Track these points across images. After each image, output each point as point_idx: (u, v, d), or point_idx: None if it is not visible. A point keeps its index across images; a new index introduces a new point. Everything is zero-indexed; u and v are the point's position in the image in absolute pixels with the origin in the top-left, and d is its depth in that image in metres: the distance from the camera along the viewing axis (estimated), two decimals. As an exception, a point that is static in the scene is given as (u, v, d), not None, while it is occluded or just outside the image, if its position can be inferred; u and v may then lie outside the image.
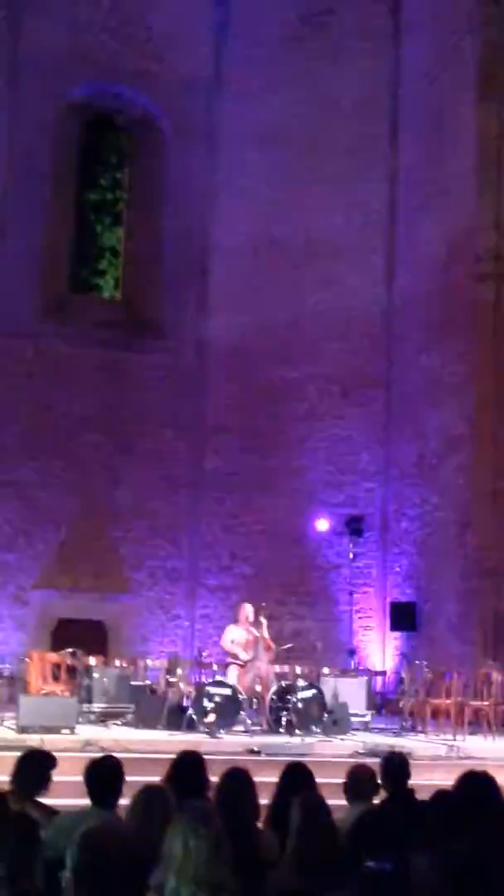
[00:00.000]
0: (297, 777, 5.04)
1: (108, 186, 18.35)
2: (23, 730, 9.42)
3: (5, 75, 16.52)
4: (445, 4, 15.77)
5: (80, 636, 13.83)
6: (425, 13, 16.29)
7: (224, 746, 9.49)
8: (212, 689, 10.45)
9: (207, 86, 17.61)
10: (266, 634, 11.52)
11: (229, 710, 10.39)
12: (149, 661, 13.14)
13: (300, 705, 10.57)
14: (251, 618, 11.62)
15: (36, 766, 5.16)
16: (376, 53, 16.92)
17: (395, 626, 15.50)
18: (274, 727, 10.65)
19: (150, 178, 17.79)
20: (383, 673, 15.00)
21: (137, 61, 17.29)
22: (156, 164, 17.73)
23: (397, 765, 5.51)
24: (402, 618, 15.25)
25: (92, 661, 12.22)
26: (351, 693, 11.72)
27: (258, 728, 10.75)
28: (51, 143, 17.02)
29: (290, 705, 10.56)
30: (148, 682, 12.19)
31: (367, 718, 11.91)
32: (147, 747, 9.10)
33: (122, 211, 18.32)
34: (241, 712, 10.57)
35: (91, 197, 18.20)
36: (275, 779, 5.15)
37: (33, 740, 8.62)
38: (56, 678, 12.00)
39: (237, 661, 11.39)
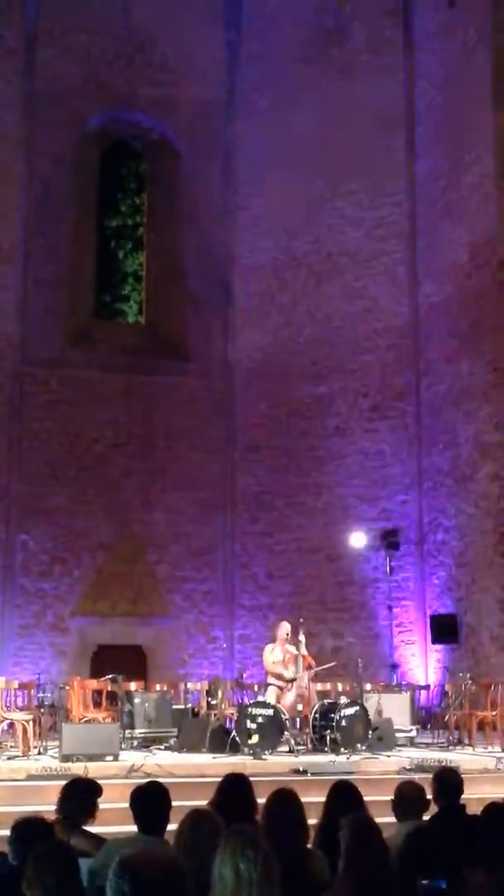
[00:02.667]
0: (344, 796, 4.97)
1: (128, 212, 18.46)
2: (66, 758, 9.38)
3: (23, 106, 16.69)
4: (457, 14, 15.75)
5: (119, 662, 13.80)
6: (437, 24, 16.29)
7: (269, 767, 9.42)
8: (254, 710, 10.37)
9: (222, 107, 17.71)
10: (305, 651, 11.43)
11: (273, 731, 10.31)
12: (189, 685, 13.08)
13: (344, 723, 10.47)
14: (289, 635, 11.54)
15: (81, 795, 5.12)
16: (390, 67, 16.92)
17: (436, 639, 15.34)
18: (318, 746, 10.55)
19: (170, 201, 17.87)
20: (427, 687, 14.83)
21: (152, 87, 17.42)
22: (174, 188, 17.81)
23: (449, 780, 5.41)
24: (444, 630, 15.10)
25: (132, 686, 12.18)
26: (395, 708, 11.60)
27: (302, 747, 10.65)
28: (70, 171, 17.15)
29: (333, 723, 10.45)
30: (189, 705, 12.13)
31: (413, 734, 11.78)
32: (192, 771, 9.05)
33: (142, 236, 18.42)
34: (285, 732, 10.48)
35: (112, 223, 18.31)
36: (322, 798, 5.09)
37: (77, 768, 8.59)
38: (97, 705, 11.98)
39: (279, 682, 11.30)
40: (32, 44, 16.79)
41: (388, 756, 10.32)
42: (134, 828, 4.67)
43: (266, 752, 10.11)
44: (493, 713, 11.53)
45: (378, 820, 4.14)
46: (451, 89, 15.89)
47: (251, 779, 5.15)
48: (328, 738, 10.45)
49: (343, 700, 11.09)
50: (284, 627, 11.64)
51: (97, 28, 17.22)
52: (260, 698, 11.06)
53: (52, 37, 16.88)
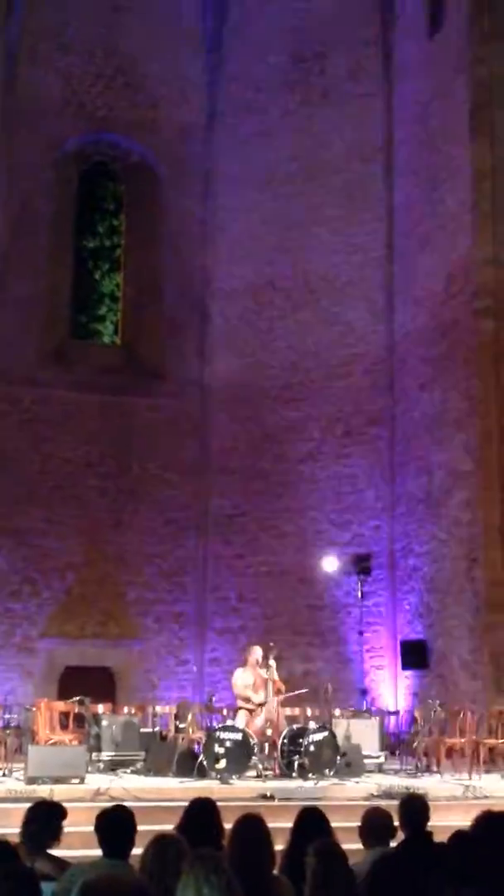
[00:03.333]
0: (311, 822, 4.94)
1: (105, 233, 18.47)
2: (31, 780, 9.29)
3: (1, 125, 16.69)
4: (436, 46, 15.93)
5: (87, 684, 13.70)
6: (416, 55, 16.47)
7: (236, 792, 9.36)
8: (222, 735, 10.32)
9: (202, 130, 17.80)
10: (276, 676, 11.39)
11: (240, 755, 10.25)
12: (157, 708, 12.99)
13: (312, 748, 10.43)
14: (260, 660, 11.51)
15: (46, 818, 5.06)
16: (369, 95, 17.09)
17: (406, 665, 15.34)
18: (286, 771, 10.50)
19: (148, 223, 17.91)
20: (396, 713, 14.80)
21: (132, 109, 17.51)
22: (153, 210, 17.86)
23: (417, 808, 5.38)
24: (413, 656, 15.10)
25: (100, 708, 12.09)
26: (363, 734, 11.57)
27: (270, 772, 10.59)
28: (48, 191, 17.17)
29: (301, 748, 10.41)
30: (157, 728, 12.06)
31: (381, 760, 11.75)
32: (158, 795, 8.98)
33: (120, 257, 18.43)
34: (253, 757, 10.42)
35: (89, 244, 18.32)
36: (289, 824, 5.05)
37: (43, 791, 8.50)
38: (64, 727, 11.87)
39: (248, 706, 11.25)
40: (13, 63, 16.82)
41: (357, 782, 10.28)
42: (99, 851, 4.62)
43: (233, 777, 10.05)
44: (462, 740, 11.53)
45: (345, 846, 4.12)
46: (428, 119, 16.05)
47: (218, 804, 5.11)
48: (296, 763, 10.40)
49: (312, 725, 11.05)
50: (255, 652, 11.61)
51: (78, 49, 17.30)
52: (229, 722, 11.00)
53: (33, 56, 16.92)
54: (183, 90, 17.64)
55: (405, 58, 16.79)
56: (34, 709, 11.96)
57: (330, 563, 15.74)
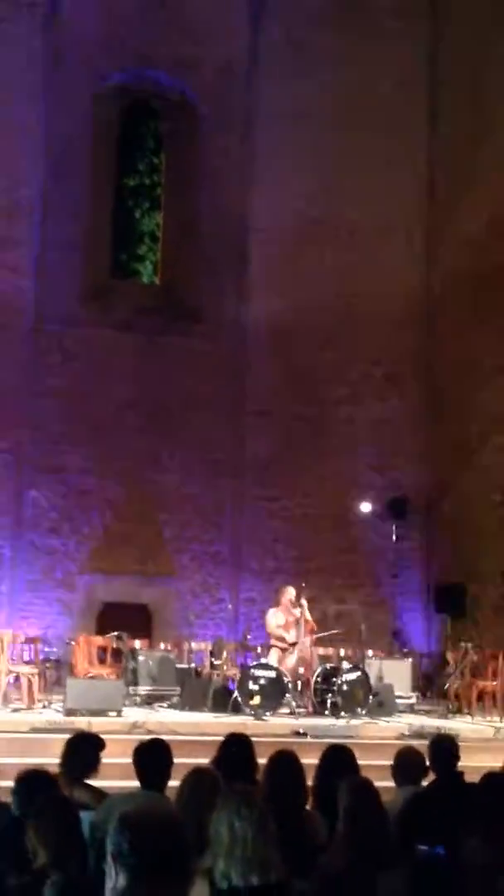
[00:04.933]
0: (339, 759, 5.03)
1: (145, 171, 18.33)
2: (70, 712, 9.51)
3: (43, 63, 16.53)
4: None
5: (125, 620, 13.91)
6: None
7: (269, 728, 9.53)
8: (256, 672, 10.48)
9: (244, 69, 17.52)
10: (308, 616, 11.52)
11: (274, 693, 10.42)
12: (193, 644, 13.20)
13: (345, 687, 10.57)
14: (293, 600, 11.63)
15: (85, 749, 5.20)
16: (413, 33, 16.73)
17: (439, 608, 15.42)
18: (319, 709, 10.66)
19: (188, 162, 17.75)
20: (428, 655, 14.94)
21: (174, 47, 17.23)
22: (193, 149, 17.68)
23: (446, 747, 5.48)
24: (447, 600, 15.17)
25: (137, 644, 12.31)
26: (396, 675, 11.70)
27: (303, 710, 10.76)
28: (89, 129, 17.02)
29: (334, 687, 10.56)
30: (193, 664, 12.25)
31: (413, 700, 11.89)
32: (193, 730, 9.16)
33: (160, 196, 18.30)
34: (286, 694, 10.58)
35: (129, 182, 18.20)
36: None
37: (81, 723, 8.71)
38: (102, 661, 12.12)
39: (281, 645, 11.40)
40: (54, 0, 16.60)
41: (388, 722, 10.43)
42: (135, 783, 4.75)
43: (267, 714, 10.23)
44: (494, 683, 11.62)
45: (376, 784, 4.21)
46: (474, 56, 15.71)
47: (252, 739, 5.22)
48: (329, 701, 10.55)
49: (345, 665, 11.18)
50: (288, 592, 11.73)
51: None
52: (263, 660, 11.17)
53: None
54: (225, 28, 17.32)
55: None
56: (73, 643, 12.22)
57: (365, 506, 15.79)
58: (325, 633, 11.97)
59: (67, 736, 5.50)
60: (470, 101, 15.73)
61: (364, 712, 10.58)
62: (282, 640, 11.45)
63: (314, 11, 17.10)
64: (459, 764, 5.55)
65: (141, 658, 11.61)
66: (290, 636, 11.42)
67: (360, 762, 5.05)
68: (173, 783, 4.52)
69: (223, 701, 10.65)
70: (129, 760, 4.80)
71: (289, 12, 17.25)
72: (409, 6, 16.80)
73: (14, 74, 16.10)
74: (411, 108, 16.60)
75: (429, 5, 16.71)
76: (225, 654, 12.01)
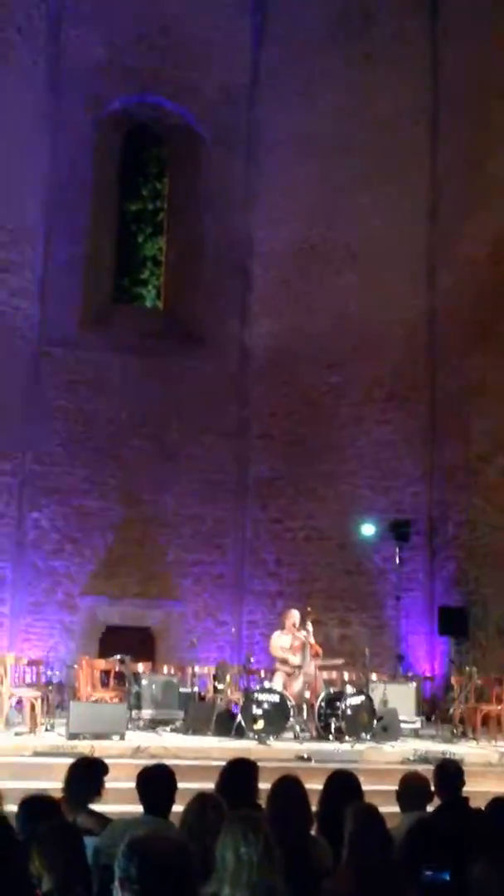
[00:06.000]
0: (342, 784, 5.01)
1: (148, 196, 18.43)
2: (73, 736, 9.48)
3: (46, 88, 16.67)
4: (484, 8, 15.66)
5: (127, 643, 13.89)
6: (463, 17, 16.17)
7: (273, 753, 9.49)
8: (260, 696, 10.44)
9: (245, 93, 17.66)
10: (312, 640, 11.50)
11: (278, 717, 10.38)
12: (196, 668, 13.16)
13: (349, 712, 10.52)
14: (297, 624, 11.61)
15: (89, 774, 5.18)
16: (415, 57, 16.83)
17: (443, 631, 15.36)
18: (323, 734, 10.61)
19: (190, 186, 17.86)
20: (432, 679, 14.88)
21: (176, 71, 17.37)
22: (196, 173, 17.79)
23: (451, 772, 5.45)
24: (451, 623, 15.11)
25: (140, 667, 12.27)
26: (400, 699, 11.66)
27: (307, 735, 10.71)
28: (91, 154, 17.13)
29: (339, 712, 10.51)
30: (196, 688, 12.22)
31: (417, 725, 11.84)
32: (197, 754, 9.13)
33: (162, 220, 18.40)
34: (290, 719, 10.54)
35: (132, 207, 18.30)
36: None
37: (84, 747, 8.67)
38: (105, 685, 12.08)
39: (286, 668, 11.37)
40: (58, 24, 16.77)
41: (393, 746, 10.38)
42: (138, 807, 4.73)
43: (271, 738, 10.18)
44: (499, 707, 11.57)
45: (381, 809, 4.19)
46: (475, 80, 15.81)
47: (256, 764, 5.19)
48: (333, 726, 10.51)
49: (349, 689, 11.14)
50: (293, 616, 11.71)
51: (122, 10, 17.16)
52: (267, 684, 11.13)
53: (78, 18, 16.84)
54: (227, 52, 17.47)
55: (452, 20, 16.49)
56: (76, 666, 12.18)
57: (368, 529, 15.78)
58: (330, 662, 11.96)
59: (70, 760, 5.48)
60: (471, 124, 15.81)
61: (368, 737, 10.54)
62: (286, 663, 11.42)
63: (315, 35, 17.24)
64: (464, 789, 5.52)
65: (144, 682, 11.58)
66: (296, 659, 11.39)
67: (364, 787, 5.03)
68: (177, 808, 4.50)
69: (227, 725, 10.61)
70: (133, 785, 4.78)
71: (290, 36, 17.40)
72: (410, 30, 16.92)
73: (16, 100, 16.21)
74: (413, 130, 16.68)
75: (430, 29, 16.82)
76: (228, 677, 11.97)
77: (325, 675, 12.16)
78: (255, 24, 17.70)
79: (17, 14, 16.50)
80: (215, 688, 12.03)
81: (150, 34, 17.29)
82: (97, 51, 16.94)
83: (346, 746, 10.04)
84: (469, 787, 5.66)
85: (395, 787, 5.27)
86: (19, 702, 10.93)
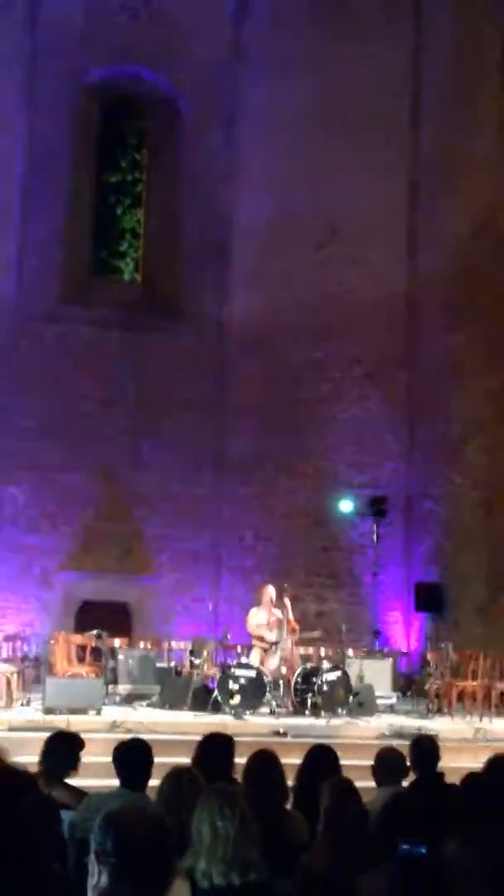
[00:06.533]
0: (322, 759, 5.02)
1: (127, 168, 18.26)
2: (49, 711, 9.48)
3: (24, 58, 16.44)
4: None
5: (104, 618, 13.85)
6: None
7: (249, 728, 9.52)
8: (237, 671, 10.47)
9: (227, 66, 17.46)
10: (290, 616, 11.52)
11: (254, 692, 10.41)
12: (173, 643, 13.17)
13: (325, 687, 10.57)
14: (274, 599, 11.63)
15: (65, 748, 5.17)
16: (398, 33, 16.71)
17: (419, 608, 15.45)
18: (299, 709, 10.66)
19: (170, 159, 17.69)
20: (408, 655, 14.97)
21: (156, 43, 17.15)
22: (175, 145, 17.62)
23: (427, 748, 5.48)
24: (428, 599, 15.20)
25: (117, 642, 12.27)
26: (376, 675, 11.72)
27: (283, 710, 10.75)
28: (70, 125, 16.94)
29: (315, 687, 10.56)
30: (173, 663, 12.23)
31: (393, 700, 11.90)
32: (173, 729, 9.15)
33: (141, 192, 18.24)
34: (267, 694, 10.57)
35: (111, 179, 18.13)
36: (301, 761, 5.13)
37: (60, 721, 8.67)
38: (81, 660, 12.06)
39: (262, 644, 11.39)
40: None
41: (368, 722, 10.43)
42: (115, 782, 4.72)
43: (247, 713, 10.22)
44: (474, 683, 11.64)
45: (356, 784, 4.20)
46: (458, 58, 15.74)
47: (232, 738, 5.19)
48: (309, 701, 10.55)
49: (325, 665, 11.19)
50: (269, 591, 11.73)
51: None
52: (243, 660, 11.15)
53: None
54: (209, 24, 17.25)
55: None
56: (52, 641, 12.16)
57: (346, 505, 15.81)
58: (307, 635, 11.97)
59: (46, 734, 5.46)
60: (454, 101, 15.76)
61: (344, 712, 10.59)
62: (262, 639, 11.44)
63: (298, 9, 17.07)
64: (440, 764, 5.55)
65: (120, 657, 11.59)
66: (272, 636, 11.41)
67: (340, 762, 5.04)
68: (153, 782, 4.50)
69: (203, 700, 10.63)
70: (109, 759, 4.77)
71: (272, 10, 17.21)
72: (393, 5, 16.80)
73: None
74: (395, 107, 16.59)
75: (414, 4, 16.70)
76: (205, 653, 11.98)
77: (301, 650, 12.20)
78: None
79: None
80: (192, 663, 12.05)
81: (131, 6, 17.07)
82: (76, 21, 16.70)
83: (322, 722, 10.09)
84: (444, 763, 5.70)
85: (371, 762, 5.29)
86: (-5, 676, 10.89)
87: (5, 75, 16.21)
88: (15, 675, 10.52)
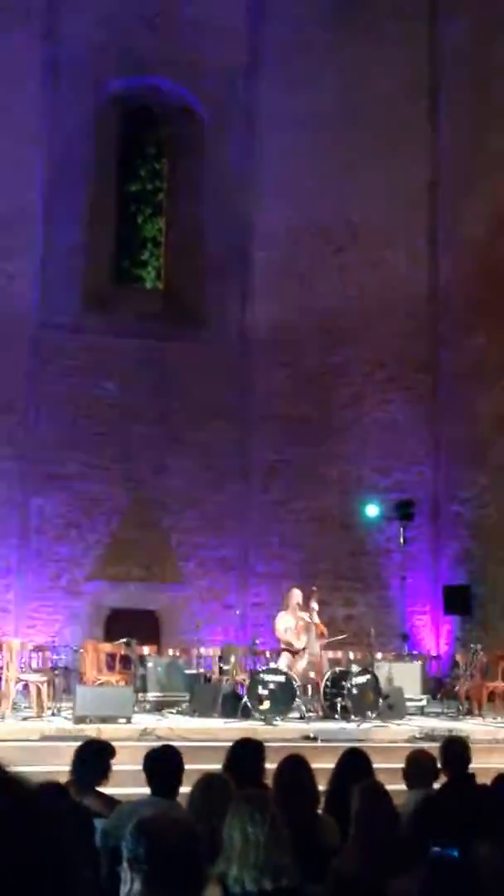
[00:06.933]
0: (354, 763, 5.02)
1: (147, 177, 18.35)
2: (79, 720, 9.49)
3: (44, 71, 16.57)
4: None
5: (133, 626, 13.90)
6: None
7: (280, 733, 9.50)
8: (266, 677, 10.46)
9: (244, 72, 17.52)
10: (317, 619, 11.50)
11: (284, 697, 10.39)
12: (202, 650, 13.17)
13: (355, 691, 10.54)
14: (301, 603, 11.60)
15: (96, 757, 5.18)
16: (414, 33, 16.71)
17: (448, 610, 15.39)
18: (329, 713, 10.64)
19: (190, 167, 17.76)
20: (437, 657, 14.91)
21: (174, 51, 17.24)
22: (195, 153, 17.69)
23: (457, 749, 5.45)
24: (456, 601, 15.14)
25: (146, 650, 12.29)
26: (405, 678, 11.68)
27: (313, 714, 10.73)
28: (91, 135, 17.05)
29: (344, 691, 10.53)
30: (202, 670, 12.23)
31: (423, 703, 11.86)
32: (203, 735, 9.13)
33: (162, 201, 18.32)
34: (296, 699, 10.56)
35: (132, 188, 18.22)
36: (332, 765, 5.13)
37: (91, 730, 8.68)
38: (111, 668, 12.09)
39: (291, 649, 11.37)
40: (55, 6, 16.64)
41: (398, 724, 10.40)
42: (146, 790, 4.73)
43: (277, 718, 10.20)
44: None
45: (388, 787, 4.19)
46: (474, 58, 15.70)
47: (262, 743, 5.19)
48: (339, 705, 10.53)
49: (354, 668, 11.15)
50: (296, 595, 11.71)
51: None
52: (272, 665, 11.14)
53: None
54: (225, 31, 17.32)
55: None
56: (81, 650, 12.20)
57: (372, 509, 15.77)
58: (335, 638, 11.95)
59: (77, 743, 5.47)
60: (472, 102, 15.72)
61: (374, 715, 10.55)
62: (290, 644, 11.42)
63: (314, 13, 17.09)
64: (471, 765, 5.52)
65: (150, 664, 11.60)
66: (300, 640, 11.39)
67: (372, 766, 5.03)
68: (184, 789, 4.50)
69: (233, 706, 10.62)
70: (140, 767, 4.78)
71: (288, 14, 17.24)
72: (409, 7, 16.78)
73: (15, 83, 16.13)
74: (413, 109, 16.57)
75: (429, 4, 16.68)
76: (234, 659, 11.98)
77: (330, 654, 12.18)
78: (254, 3, 17.55)
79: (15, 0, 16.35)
80: (221, 669, 12.05)
81: (148, 15, 17.16)
82: (95, 32, 16.81)
83: (352, 725, 10.06)
84: (475, 764, 5.67)
85: (402, 765, 5.28)
86: (25, 686, 10.95)
87: (26, 87, 16.33)
88: (45, 685, 10.56)
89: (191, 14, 17.16)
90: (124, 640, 12.06)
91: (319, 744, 8.90)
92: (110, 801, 4.97)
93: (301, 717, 10.57)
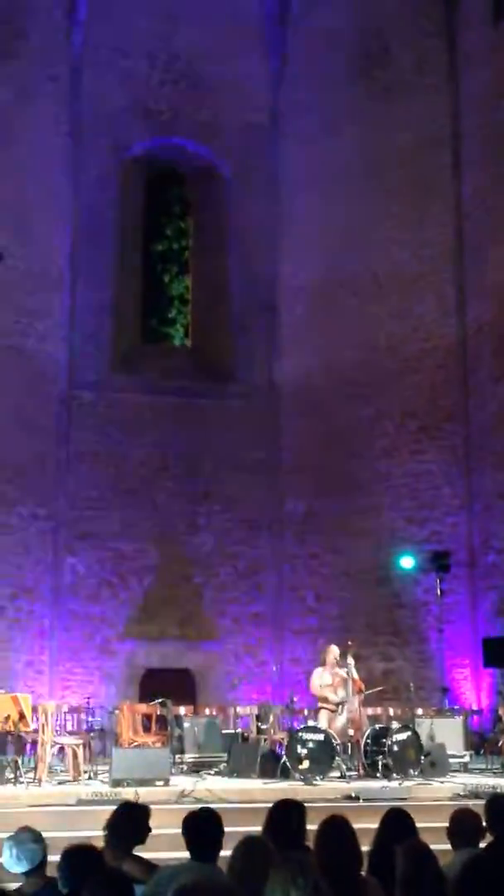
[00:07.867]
0: (397, 823, 4.88)
1: (173, 236, 18.57)
2: (117, 783, 9.37)
3: (68, 131, 16.89)
4: (501, 33, 15.71)
5: (167, 685, 13.79)
6: (481, 44, 16.24)
7: (320, 793, 9.32)
8: (304, 735, 10.27)
9: (267, 131, 17.77)
10: (355, 675, 11.32)
11: (323, 756, 10.20)
12: (239, 709, 13.01)
13: (396, 748, 10.33)
14: (338, 658, 11.44)
15: (133, 820, 5.07)
16: (435, 88, 16.89)
17: (488, 663, 15.11)
18: (370, 771, 10.42)
19: (215, 224, 17.97)
20: (479, 711, 14.62)
21: (196, 111, 17.55)
22: (219, 211, 17.91)
23: (503, 807, 5.29)
24: (496, 653, 14.86)
25: (181, 710, 12.15)
26: (447, 733, 11.44)
27: (354, 773, 10.52)
28: (115, 196, 17.31)
29: (385, 748, 10.32)
30: (239, 729, 12.07)
31: (466, 759, 11.60)
32: (242, 797, 8.98)
33: (188, 259, 18.51)
34: (336, 757, 10.36)
35: (158, 247, 18.44)
36: (374, 824, 4.99)
37: (128, 793, 8.55)
38: (147, 729, 11.96)
39: (328, 706, 11.20)
40: (79, 70, 17.01)
41: (442, 782, 10.17)
42: (185, 854, 4.62)
43: (317, 778, 10.01)
44: (548, 738, 11.32)
45: (431, 847, 4.06)
46: (496, 109, 15.83)
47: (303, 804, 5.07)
48: (380, 763, 10.31)
49: (395, 725, 10.95)
50: (332, 651, 11.55)
51: (142, 53, 17.41)
52: (311, 723, 10.96)
53: (97, 63, 17.07)
54: (246, 91, 17.63)
55: (470, 47, 16.56)
56: (117, 711, 12.08)
57: (407, 561, 15.61)
58: (373, 691, 11.74)
59: (114, 807, 5.37)
60: (494, 151, 15.80)
61: (416, 773, 10.33)
62: (326, 700, 11.25)
63: (334, 70, 17.34)
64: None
65: (186, 724, 11.44)
66: (336, 696, 11.22)
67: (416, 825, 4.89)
68: (224, 852, 4.39)
69: (272, 766, 10.45)
70: (178, 830, 4.68)
71: (309, 72, 17.51)
72: (429, 60, 16.98)
73: (41, 147, 16.42)
74: (436, 160, 16.69)
75: (449, 58, 16.87)
76: (271, 717, 11.81)
77: (369, 710, 11.97)
78: (274, 62, 17.85)
79: (39, 64, 16.72)
80: (258, 728, 11.88)
81: (170, 77, 17.50)
82: (118, 94, 17.15)
83: (394, 784, 9.85)
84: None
85: (446, 824, 5.13)
86: (61, 749, 10.84)
87: (51, 149, 16.62)
88: (81, 748, 10.44)
89: (212, 74, 17.47)
90: (160, 700, 11.94)
91: (361, 803, 8.72)
92: (149, 866, 4.85)
93: (342, 776, 10.37)
